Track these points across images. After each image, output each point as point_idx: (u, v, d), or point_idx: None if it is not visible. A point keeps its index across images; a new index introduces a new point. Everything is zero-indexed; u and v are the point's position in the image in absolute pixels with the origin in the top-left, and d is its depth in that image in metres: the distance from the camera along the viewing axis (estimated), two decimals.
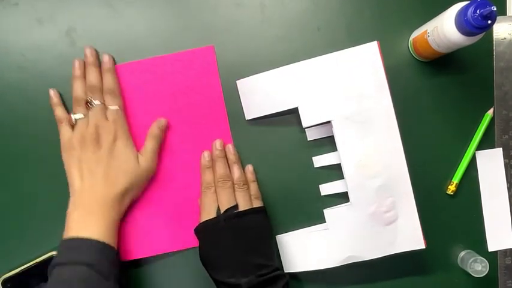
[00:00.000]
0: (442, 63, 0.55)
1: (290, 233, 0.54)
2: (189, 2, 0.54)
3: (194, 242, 0.54)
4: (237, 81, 0.54)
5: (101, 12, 0.54)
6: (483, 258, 0.52)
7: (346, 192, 0.52)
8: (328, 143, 0.54)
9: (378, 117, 0.51)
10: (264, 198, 0.53)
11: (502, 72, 0.55)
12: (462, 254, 0.55)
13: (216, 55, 0.54)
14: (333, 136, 0.52)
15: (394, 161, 0.51)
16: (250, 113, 0.54)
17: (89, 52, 0.52)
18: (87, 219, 0.47)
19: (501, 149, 0.56)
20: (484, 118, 0.55)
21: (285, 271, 0.53)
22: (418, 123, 0.55)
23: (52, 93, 0.52)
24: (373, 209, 0.51)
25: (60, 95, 0.53)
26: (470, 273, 0.52)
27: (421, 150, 0.55)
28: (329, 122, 0.52)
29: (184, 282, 0.55)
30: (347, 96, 0.51)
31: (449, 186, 0.55)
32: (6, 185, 0.54)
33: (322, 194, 0.55)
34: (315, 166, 0.55)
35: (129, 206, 0.52)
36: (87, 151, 0.49)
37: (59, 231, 0.54)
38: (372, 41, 0.51)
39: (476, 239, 0.56)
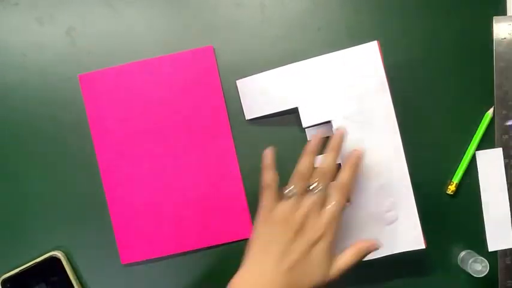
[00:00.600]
0: (442, 63, 0.55)
1: None
2: (189, 2, 0.54)
3: (195, 245, 0.54)
4: (237, 81, 0.54)
5: (101, 12, 0.54)
6: (483, 258, 0.52)
7: None
8: (327, 143, 0.54)
9: (378, 117, 0.51)
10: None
11: (502, 72, 0.55)
12: (462, 254, 0.55)
13: (215, 55, 0.54)
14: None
15: (394, 161, 0.51)
16: (250, 113, 0.54)
17: (338, 135, 0.48)
18: None
19: (501, 149, 0.56)
20: (484, 118, 0.55)
21: None
22: (418, 123, 0.55)
23: (268, 152, 0.48)
24: (373, 209, 0.51)
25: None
26: (471, 273, 0.52)
27: (421, 150, 0.55)
28: (329, 121, 0.52)
29: (185, 284, 0.55)
30: (347, 96, 0.51)
31: (449, 186, 0.55)
32: (6, 185, 0.54)
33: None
34: (315, 166, 0.55)
35: (128, 208, 0.52)
36: (285, 234, 0.44)
37: (59, 231, 0.54)
38: (372, 40, 0.51)
39: (476, 239, 0.56)
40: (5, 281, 0.52)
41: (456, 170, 0.55)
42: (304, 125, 0.52)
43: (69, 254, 0.54)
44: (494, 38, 0.55)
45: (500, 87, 0.55)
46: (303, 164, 0.47)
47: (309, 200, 0.45)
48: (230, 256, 0.54)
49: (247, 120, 0.54)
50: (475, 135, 0.55)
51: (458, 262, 0.55)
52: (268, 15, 0.55)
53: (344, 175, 0.47)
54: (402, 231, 0.51)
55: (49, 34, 0.54)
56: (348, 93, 0.51)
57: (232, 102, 0.54)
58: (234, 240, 0.54)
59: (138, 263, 0.54)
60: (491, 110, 0.55)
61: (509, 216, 0.56)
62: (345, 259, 0.45)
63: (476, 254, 0.53)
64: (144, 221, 0.54)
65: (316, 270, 0.44)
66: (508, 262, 0.56)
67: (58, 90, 0.54)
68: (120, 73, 0.54)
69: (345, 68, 0.51)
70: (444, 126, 0.55)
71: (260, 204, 0.47)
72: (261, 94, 0.53)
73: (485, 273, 0.52)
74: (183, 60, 0.54)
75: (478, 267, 0.52)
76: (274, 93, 0.52)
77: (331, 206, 0.45)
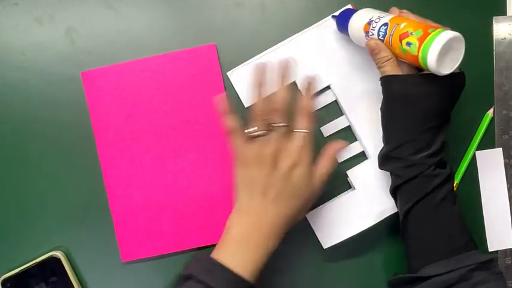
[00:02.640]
0: None
1: (318, 208, 0.53)
2: (188, 1, 0.54)
3: (197, 243, 0.54)
4: (228, 73, 0.54)
5: (101, 12, 0.54)
6: None
7: (362, 153, 0.54)
8: (331, 110, 0.55)
9: (374, 69, 0.51)
10: None
11: (502, 72, 0.55)
12: None
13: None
14: (335, 102, 0.53)
15: None
16: (248, 100, 0.54)
17: (283, 63, 0.49)
18: (242, 246, 0.44)
19: (501, 149, 0.56)
20: (484, 118, 0.55)
21: (324, 246, 0.52)
22: None
23: (220, 98, 0.49)
24: None
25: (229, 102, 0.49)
26: None
27: None
28: (328, 86, 0.53)
29: None
30: (340, 58, 0.54)
31: None
32: (6, 185, 0.54)
33: (339, 161, 0.54)
34: (325, 136, 0.55)
35: (129, 206, 0.52)
36: (261, 171, 0.46)
37: (59, 231, 0.54)
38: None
39: (476, 239, 0.55)
40: (5, 281, 0.52)
41: (456, 170, 0.55)
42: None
43: (69, 254, 0.54)
44: (494, 38, 0.55)
45: (500, 87, 0.55)
46: (257, 104, 0.48)
47: (275, 135, 0.47)
48: None
49: (247, 107, 0.54)
50: (475, 135, 0.55)
51: None
52: (268, 15, 0.55)
53: (302, 100, 0.48)
54: None
55: (49, 34, 0.54)
56: (340, 55, 0.53)
57: (233, 100, 0.54)
58: None
59: (138, 262, 0.54)
60: (491, 110, 0.55)
61: (509, 216, 0.56)
62: (322, 170, 0.48)
63: None
64: (145, 218, 0.54)
65: (301, 192, 0.47)
66: (508, 262, 0.56)
67: (58, 90, 0.54)
68: (122, 70, 0.53)
69: (333, 33, 0.53)
70: None
71: (232, 148, 0.48)
72: None
73: None
74: (186, 58, 0.54)
75: None
76: (269, 74, 0.53)
77: (298, 132, 0.47)
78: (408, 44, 0.43)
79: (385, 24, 0.45)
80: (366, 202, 0.53)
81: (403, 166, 0.46)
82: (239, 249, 0.44)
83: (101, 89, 0.53)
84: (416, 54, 0.42)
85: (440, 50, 0.41)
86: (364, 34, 0.48)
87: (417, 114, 0.46)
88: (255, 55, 0.54)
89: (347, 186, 0.55)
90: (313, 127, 0.48)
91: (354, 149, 0.54)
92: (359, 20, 0.48)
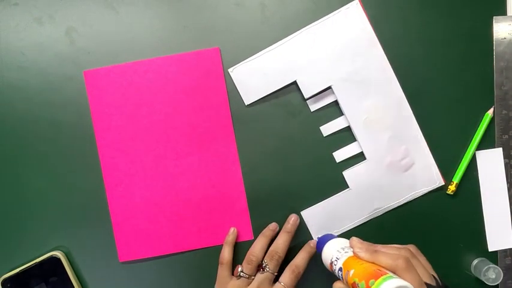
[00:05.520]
0: (442, 63, 0.55)
1: (314, 205, 0.54)
2: (188, 2, 0.54)
3: (194, 245, 0.54)
4: (229, 70, 0.54)
5: (101, 12, 0.54)
6: (496, 266, 0.53)
7: (361, 153, 0.54)
8: (331, 110, 0.55)
9: (374, 71, 0.53)
10: (280, 179, 0.54)
11: (502, 72, 0.55)
12: (475, 262, 0.55)
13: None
14: (335, 102, 0.54)
15: (399, 110, 0.53)
16: (249, 98, 0.54)
17: (293, 221, 0.53)
18: None
19: (501, 149, 0.56)
20: (484, 118, 0.55)
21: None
22: (418, 123, 0.54)
23: (232, 231, 0.54)
24: (389, 160, 0.53)
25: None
26: (484, 281, 0.53)
27: None
28: (329, 88, 0.53)
29: (184, 283, 0.55)
30: (341, 59, 0.53)
31: (449, 186, 0.55)
32: (6, 185, 0.54)
33: (337, 161, 0.55)
34: (324, 135, 0.55)
35: (128, 207, 0.52)
36: None
37: (59, 231, 0.54)
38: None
39: (476, 239, 0.56)
40: (5, 281, 0.52)
41: (456, 170, 0.55)
42: (306, 96, 0.53)
43: (69, 254, 0.54)
44: (494, 38, 0.55)
45: (500, 87, 0.55)
46: (254, 246, 0.52)
47: (258, 279, 0.50)
48: None
49: (247, 105, 0.54)
50: (475, 135, 0.55)
51: (472, 270, 0.55)
52: (268, 15, 0.55)
53: (299, 258, 0.51)
54: (420, 174, 0.54)
55: (49, 34, 0.54)
56: (341, 56, 0.53)
57: (234, 103, 0.54)
58: None
59: (138, 262, 0.54)
60: (491, 110, 0.55)
61: (509, 216, 0.56)
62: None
63: (489, 262, 0.54)
64: (143, 219, 0.54)
65: None
66: (508, 262, 0.56)
67: (58, 90, 0.54)
68: (125, 71, 0.53)
69: (333, 33, 0.53)
70: (444, 126, 0.55)
71: (217, 274, 0.52)
72: (257, 76, 0.54)
73: (499, 281, 0.53)
74: (190, 61, 0.54)
75: (492, 275, 0.53)
76: (270, 73, 0.53)
77: (282, 285, 0.49)
78: None
79: (340, 269, 0.44)
80: (359, 201, 0.54)
81: None
82: None
83: (103, 89, 0.54)
84: None
85: None
86: (332, 271, 0.46)
87: None
88: (255, 55, 0.54)
89: (343, 186, 0.55)
90: (293, 286, 0.50)
91: (351, 150, 0.54)
92: (325, 257, 0.48)
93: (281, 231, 0.53)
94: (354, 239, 0.45)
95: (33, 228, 0.54)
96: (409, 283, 0.37)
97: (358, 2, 0.53)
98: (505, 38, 0.55)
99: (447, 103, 0.55)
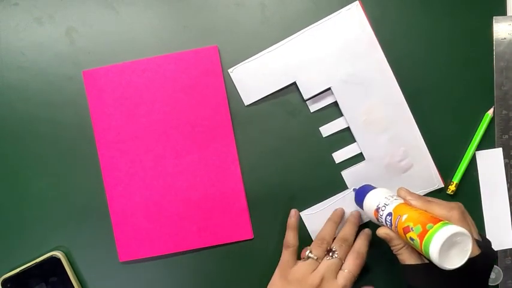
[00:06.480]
0: (442, 63, 0.55)
1: (313, 206, 0.55)
2: (188, 2, 0.54)
3: (193, 245, 0.54)
4: (229, 70, 0.54)
5: (101, 12, 0.54)
6: (496, 266, 0.53)
7: (360, 154, 0.54)
8: (331, 111, 0.55)
9: (374, 73, 0.53)
10: (279, 179, 0.54)
11: (502, 72, 0.55)
12: None
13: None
14: (334, 103, 0.54)
15: (398, 112, 0.53)
16: (249, 98, 0.54)
17: (356, 214, 0.53)
18: None
19: (501, 149, 0.56)
20: (484, 118, 0.55)
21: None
22: (418, 123, 0.54)
23: (293, 213, 0.53)
24: (388, 161, 0.53)
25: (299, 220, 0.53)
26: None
27: None
28: (329, 89, 0.53)
29: (184, 283, 0.55)
30: (341, 60, 0.53)
31: (449, 186, 0.55)
32: (6, 185, 0.54)
33: (337, 162, 0.55)
34: (323, 136, 0.55)
35: (128, 206, 0.52)
36: None
37: (59, 231, 0.54)
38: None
39: None
40: (5, 281, 0.52)
41: (456, 170, 0.55)
42: (305, 97, 0.53)
43: (69, 254, 0.54)
44: (494, 38, 0.55)
45: (500, 87, 0.55)
46: (325, 230, 0.52)
47: (326, 264, 0.48)
48: (228, 257, 0.55)
49: (247, 105, 0.54)
50: (475, 135, 0.55)
51: None
52: (268, 15, 0.55)
53: (360, 243, 0.51)
54: (419, 176, 0.54)
55: (49, 34, 0.54)
56: (341, 57, 0.53)
57: (234, 103, 0.54)
58: (233, 241, 0.54)
59: (138, 262, 0.54)
60: (491, 110, 0.55)
61: (509, 216, 0.56)
62: None
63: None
64: (143, 219, 0.54)
65: None
66: (508, 262, 0.56)
67: (58, 90, 0.54)
68: (124, 70, 0.53)
69: (333, 34, 0.53)
70: (444, 126, 0.55)
71: (280, 259, 0.51)
72: (257, 77, 0.54)
73: (499, 281, 0.53)
74: (188, 59, 0.54)
75: (492, 275, 0.53)
76: (269, 73, 0.53)
77: (347, 272, 0.48)
78: (411, 239, 0.41)
79: (390, 214, 0.44)
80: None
81: None
82: None
83: (102, 89, 0.54)
84: (420, 250, 0.40)
85: (439, 249, 0.38)
86: (376, 219, 0.47)
87: None
88: (255, 55, 0.54)
89: (342, 186, 0.55)
90: (358, 272, 0.49)
91: (350, 151, 0.55)
92: (369, 205, 0.48)
93: (347, 220, 0.53)
94: (403, 188, 0.47)
95: (33, 228, 0.54)
96: (467, 231, 0.38)
97: (359, 3, 0.53)
98: (505, 38, 0.55)
99: (447, 103, 0.55)
